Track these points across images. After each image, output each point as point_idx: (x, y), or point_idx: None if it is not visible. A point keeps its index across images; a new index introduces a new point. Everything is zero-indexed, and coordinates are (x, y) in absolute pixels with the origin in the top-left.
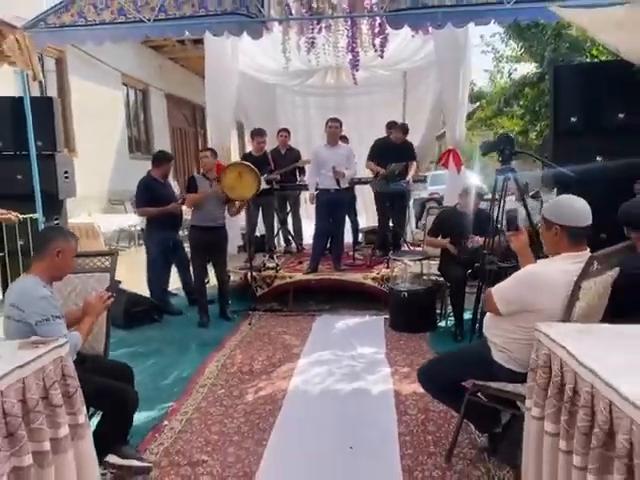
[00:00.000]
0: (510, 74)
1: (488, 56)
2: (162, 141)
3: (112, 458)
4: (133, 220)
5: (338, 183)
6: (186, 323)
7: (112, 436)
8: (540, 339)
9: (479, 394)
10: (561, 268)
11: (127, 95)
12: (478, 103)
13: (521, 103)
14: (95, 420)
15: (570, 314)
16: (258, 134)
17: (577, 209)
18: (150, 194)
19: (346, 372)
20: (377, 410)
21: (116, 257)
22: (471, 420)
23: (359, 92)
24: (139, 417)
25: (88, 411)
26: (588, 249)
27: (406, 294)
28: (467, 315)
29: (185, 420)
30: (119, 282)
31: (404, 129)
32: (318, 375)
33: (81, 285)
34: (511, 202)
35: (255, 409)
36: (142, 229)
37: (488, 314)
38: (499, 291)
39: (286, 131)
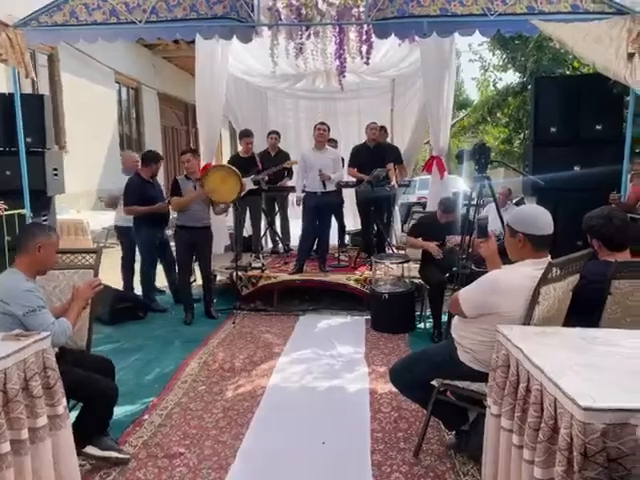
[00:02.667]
0: (495, 83)
1: (476, 64)
2: (154, 139)
3: (91, 449)
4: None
5: (324, 186)
6: (171, 320)
7: (92, 428)
8: (500, 340)
9: (447, 393)
10: (523, 274)
11: (119, 93)
12: (464, 111)
13: (505, 111)
14: (76, 413)
15: (530, 317)
16: (246, 135)
17: (540, 218)
18: (138, 193)
19: (324, 370)
20: (352, 408)
21: (100, 254)
22: (439, 418)
23: (348, 97)
24: (120, 411)
25: (68, 403)
26: (549, 256)
27: (387, 296)
28: (445, 317)
29: (165, 414)
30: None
31: (374, 127)
32: (297, 373)
33: (65, 281)
34: (493, 209)
35: (234, 405)
36: (116, 226)
37: (456, 317)
38: (464, 295)
39: (276, 133)
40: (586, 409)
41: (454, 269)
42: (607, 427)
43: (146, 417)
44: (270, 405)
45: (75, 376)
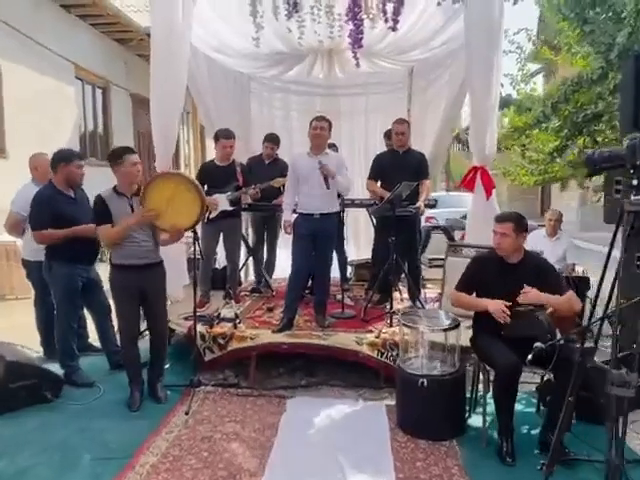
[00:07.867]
0: (553, 72)
1: (510, 58)
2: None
3: None
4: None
5: (327, 184)
6: (94, 405)
7: None
8: None
9: None
10: None
11: (83, 91)
12: (505, 110)
13: (560, 112)
14: None
15: None
16: (225, 137)
17: None
18: (49, 211)
19: None
20: None
21: None
22: None
23: (353, 92)
24: None
25: None
26: None
27: (425, 382)
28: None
29: None
30: None
31: (401, 124)
32: None
33: None
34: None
35: None
36: (24, 260)
37: None
38: None
39: (272, 141)
40: None
41: (537, 345)
42: None
43: None
44: None
45: None
